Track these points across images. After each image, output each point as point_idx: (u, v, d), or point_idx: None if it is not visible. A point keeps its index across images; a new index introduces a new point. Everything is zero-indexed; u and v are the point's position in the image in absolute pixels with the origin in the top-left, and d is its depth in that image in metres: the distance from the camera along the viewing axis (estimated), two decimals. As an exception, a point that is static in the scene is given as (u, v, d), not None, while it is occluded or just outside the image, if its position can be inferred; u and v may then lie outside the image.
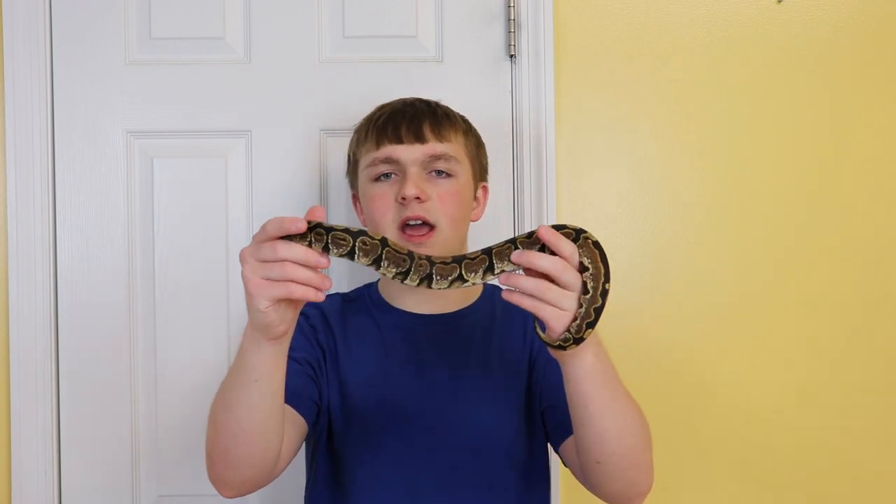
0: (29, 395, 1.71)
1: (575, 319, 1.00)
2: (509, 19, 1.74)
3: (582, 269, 1.00)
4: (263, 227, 0.97)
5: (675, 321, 1.78)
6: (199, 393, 1.72)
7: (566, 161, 1.77)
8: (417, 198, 1.32)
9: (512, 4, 1.74)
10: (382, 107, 1.44)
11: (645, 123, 1.78)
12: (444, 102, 1.44)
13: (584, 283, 1.00)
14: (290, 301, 1.00)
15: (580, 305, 1.00)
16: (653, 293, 1.78)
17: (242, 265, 0.98)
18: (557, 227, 1.01)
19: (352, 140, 1.46)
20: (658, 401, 1.77)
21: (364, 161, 1.38)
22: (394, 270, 1.01)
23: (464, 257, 1.03)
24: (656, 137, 1.78)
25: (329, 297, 1.41)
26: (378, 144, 1.36)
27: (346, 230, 0.98)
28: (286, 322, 1.02)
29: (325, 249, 0.98)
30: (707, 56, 1.78)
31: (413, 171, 1.33)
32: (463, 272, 1.03)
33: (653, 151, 1.78)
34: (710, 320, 1.78)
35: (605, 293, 1.00)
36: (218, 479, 1.17)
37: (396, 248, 1.01)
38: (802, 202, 1.79)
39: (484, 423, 1.31)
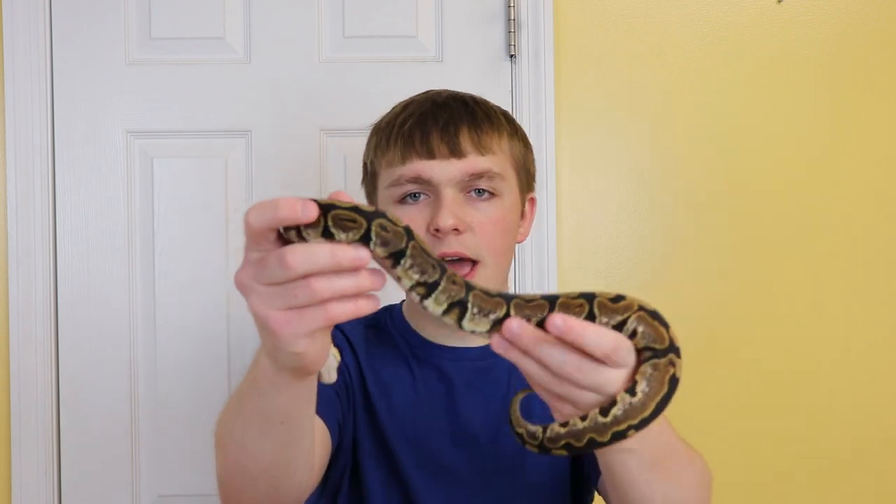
0: (29, 394, 1.71)
1: (568, 423, 0.73)
2: (509, 19, 1.74)
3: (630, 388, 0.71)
4: (247, 223, 0.66)
5: (676, 322, 1.77)
6: (199, 392, 1.73)
7: (566, 161, 1.77)
8: (455, 228, 1.07)
9: (512, 4, 1.74)
10: (407, 105, 1.16)
11: (645, 123, 1.78)
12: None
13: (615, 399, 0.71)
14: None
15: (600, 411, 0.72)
16: (653, 294, 1.78)
17: (247, 296, 0.68)
18: (650, 312, 0.75)
19: (369, 143, 1.19)
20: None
21: (386, 177, 1.12)
22: (416, 277, 0.69)
23: (515, 296, 0.72)
24: (656, 137, 1.78)
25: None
26: (404, 158, 1.10)
27: (355, 209, 0.67)
28: (325, 350, 0.73)
29: (324, 236, 0.67)
30: (707, 56, 1.78)
31: (448, 193, 1.08)
32: (512, 313, 0.71)
33: (653, 151, 1.78)
34: (710, 321, 1.78)
35: (635, 428, 0.71)
36: None
37: (424, 248, 0.70)
38: (802, 202, 1.79)
39: (529, 480, 1.12)
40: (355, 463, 1.13)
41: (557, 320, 0.69)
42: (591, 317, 0.71)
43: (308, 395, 0.81)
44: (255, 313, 0.68)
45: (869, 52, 1.79)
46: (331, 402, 1.07)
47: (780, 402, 1.78)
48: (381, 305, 1.18)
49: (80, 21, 1.74)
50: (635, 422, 0.71)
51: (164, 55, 1.75)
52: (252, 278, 0.67)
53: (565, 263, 1.77)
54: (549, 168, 1.74)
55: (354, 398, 1.13)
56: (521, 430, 0.77)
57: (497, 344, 0.71)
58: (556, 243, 1.74)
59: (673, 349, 0.74)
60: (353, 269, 0.66)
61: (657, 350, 0.73)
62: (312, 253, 0.64)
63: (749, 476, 1.78)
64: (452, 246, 1.08)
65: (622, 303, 0.73)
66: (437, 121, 1.11)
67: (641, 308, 0.74)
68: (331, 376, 0.84)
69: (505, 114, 1.18)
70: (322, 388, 0.89)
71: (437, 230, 1.07)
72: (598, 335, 0.70)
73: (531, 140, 1.12)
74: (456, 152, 1.09)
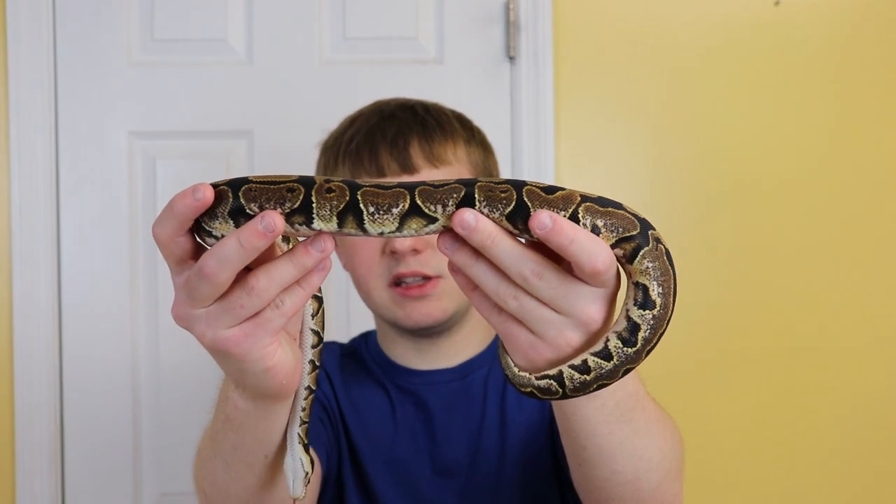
0: (33, 393, 1.73)
1: (571, 362, 0.61)
2: (509, 21, 1.75)
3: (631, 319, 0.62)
4: (157, 239, 0.64)
5: (676, 322, 1.78)
6: (201, 391, 1.74)
7: (566, 162, 1.78)
8: (414, 248, 1.01)
9: (511, 6, 1.75)
10: (353, 120, 1.12)
11: (644, 124, 1.79)
12: (442, 103, 1.16)
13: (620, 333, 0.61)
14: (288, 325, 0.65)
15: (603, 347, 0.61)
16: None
17: (191, 327, 0.61)
18: (596, 199, 0.60)
19: (318, 163, 1.14)
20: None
21: None
22: (279, 211, 0.59)
23: (420, 183, 0.61)
24: (655, 138, 1.79)
25: (326, 346, 1.06)
26: (353, 177, 1.03)
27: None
28: (299, 362, 0.67)
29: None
30: (705, 57, 1.79)
31: None
32: (419, 202, 0.60)
33: (652, 153, 1.79)
34: (711, 322, 1.79)
35: (664, 332, 0.62)
36: None
37: (266, 179, 0.60)
38: (802, 202, 1.79)
39: (514, 493, 1.07)
40: (340, 498, 1.08)
41: (545, 217, 0.55)
42: (522, 209, 0.58)
43: (288, 417, 0.75)
44: (206, 342, 0.61)
45: (867, 52, 1.79)
46: (317, 429, 1.02)
47: (783, 402, 1.79)
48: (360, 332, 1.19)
49: (83, 23, 1.75)
50: (663, 328, 0.61)
51: (167, 57, 1.76)
52: (186, 306, 0.60)
53: (564, 263, 1.77)
54: (549, 169, 1.75)
55: (337, 429, 1.08)
56: (527, 390, 0.64)
57: (444, 243, 0.59)
58: (555, 243, 1.75)
59: (646, 225, 0.60)
60: (266, 242, 0.57)
61: (633, 236, 0.59)
62: (221, 249, 0.57)
63: (757, 472, 1.79)
64: (411, 265, 1.02)
65: (560, 193, 0.58)
66: (385, 135, 1.05)
67: (585, 198, 0.58)
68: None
69: (460, 118, 1.13)
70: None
71: (394, 252, 1.02)
72: (593, 244, 0.55)
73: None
74: (408, 168, 1.04)
